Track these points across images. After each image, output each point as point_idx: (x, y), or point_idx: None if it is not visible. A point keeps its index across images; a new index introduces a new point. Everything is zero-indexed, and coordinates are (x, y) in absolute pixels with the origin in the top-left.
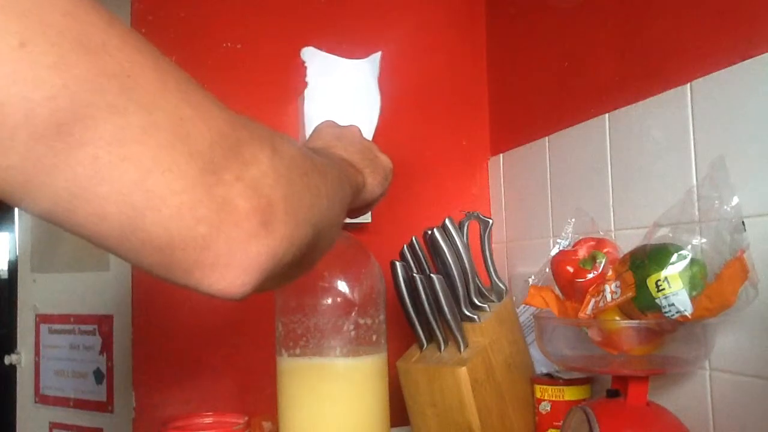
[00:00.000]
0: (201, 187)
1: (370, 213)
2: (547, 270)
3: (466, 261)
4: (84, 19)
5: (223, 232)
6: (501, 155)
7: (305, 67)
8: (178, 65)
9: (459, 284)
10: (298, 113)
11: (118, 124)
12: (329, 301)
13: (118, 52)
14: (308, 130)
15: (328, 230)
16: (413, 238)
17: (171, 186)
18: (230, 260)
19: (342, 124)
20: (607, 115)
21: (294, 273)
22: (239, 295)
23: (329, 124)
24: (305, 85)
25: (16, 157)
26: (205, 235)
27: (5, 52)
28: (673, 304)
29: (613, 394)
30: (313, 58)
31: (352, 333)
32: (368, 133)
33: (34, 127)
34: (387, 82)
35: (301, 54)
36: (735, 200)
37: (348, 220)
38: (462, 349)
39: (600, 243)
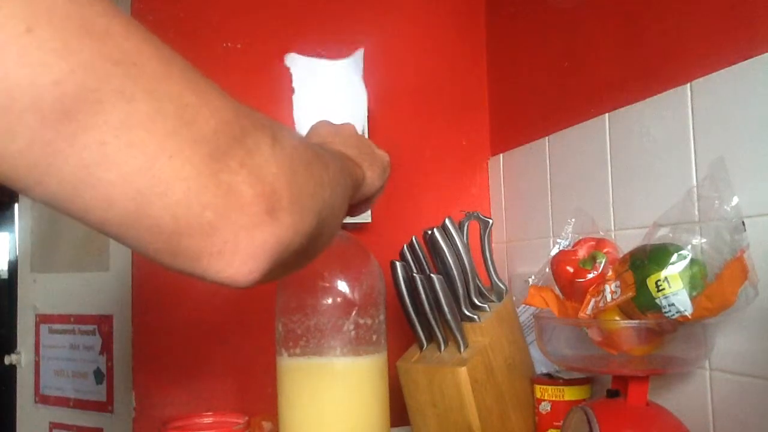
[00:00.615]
0: (207, 173)
1: (370, 213)
2: (547, 270)
3: (466, 261)
4: (88, 7)
5: (229, 219)
6: (501, 155)
7: (290, 73)
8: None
9: (459, 284)
10: None
11: (125, 110)
12: (329, 301)
13: (123, 40)
14: (301, 133)
15: (331, 220)
16: (413, 238)
17: (177, 172)
18: (237, 247)
19: (337, 123)
20: (607, 115)
21: (299, 262)
22: (246, 282)
23: (324, 123)
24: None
25: (24, 142)
26: (211, 222)
27: (13, 37)
28: (673, 304)
29: (613, 394)
30: (297, 63)
31: (352, 333)
32: (359, 126)
33: (42, 112)
34: (387, 82)
35: (285, 60)
36: (735, 200)
37: (348, 219)
38: (462, 349)
39: (600, 243)
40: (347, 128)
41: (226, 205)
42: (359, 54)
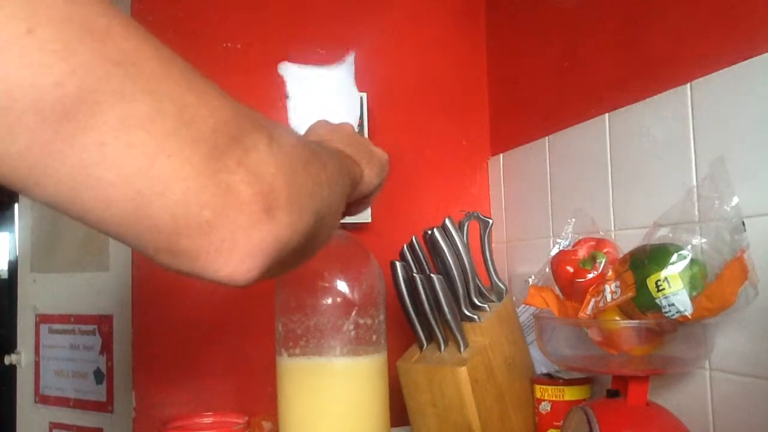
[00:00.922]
0: (205, 173)
1: (370, 213)
2: (547, 270)
3: (466, 261)
4: (88, 7)
5: (227, 218)
6: (501, 155)
7: (284, 82)
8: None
9: (459, 284)
10: None
11: (124, 111)
12: (329, 301)
13: (123, 41)
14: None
15: (330, 218)
16: (413, 238)
17: (176, 172)
18: (235, 246)
19: (334, 122)
20: (607, 115)
21: (297, 260)
22: (244, 281)
23: (322, 123)
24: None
25: (24, 143)
26: (210, 221)
27: (14, 37)
28: (673, 304)
29: (613, 394)
30: (290, 71)
31: (352, 333)
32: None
33: (42, 113)
34: (387, 82)
35: (279, 69)
36: (735, 200)
37: (347, 219)
38: (462, 349)
39: (600, 243)
40: (345, 127)
41: (225, 204)
42: (350, 58)
